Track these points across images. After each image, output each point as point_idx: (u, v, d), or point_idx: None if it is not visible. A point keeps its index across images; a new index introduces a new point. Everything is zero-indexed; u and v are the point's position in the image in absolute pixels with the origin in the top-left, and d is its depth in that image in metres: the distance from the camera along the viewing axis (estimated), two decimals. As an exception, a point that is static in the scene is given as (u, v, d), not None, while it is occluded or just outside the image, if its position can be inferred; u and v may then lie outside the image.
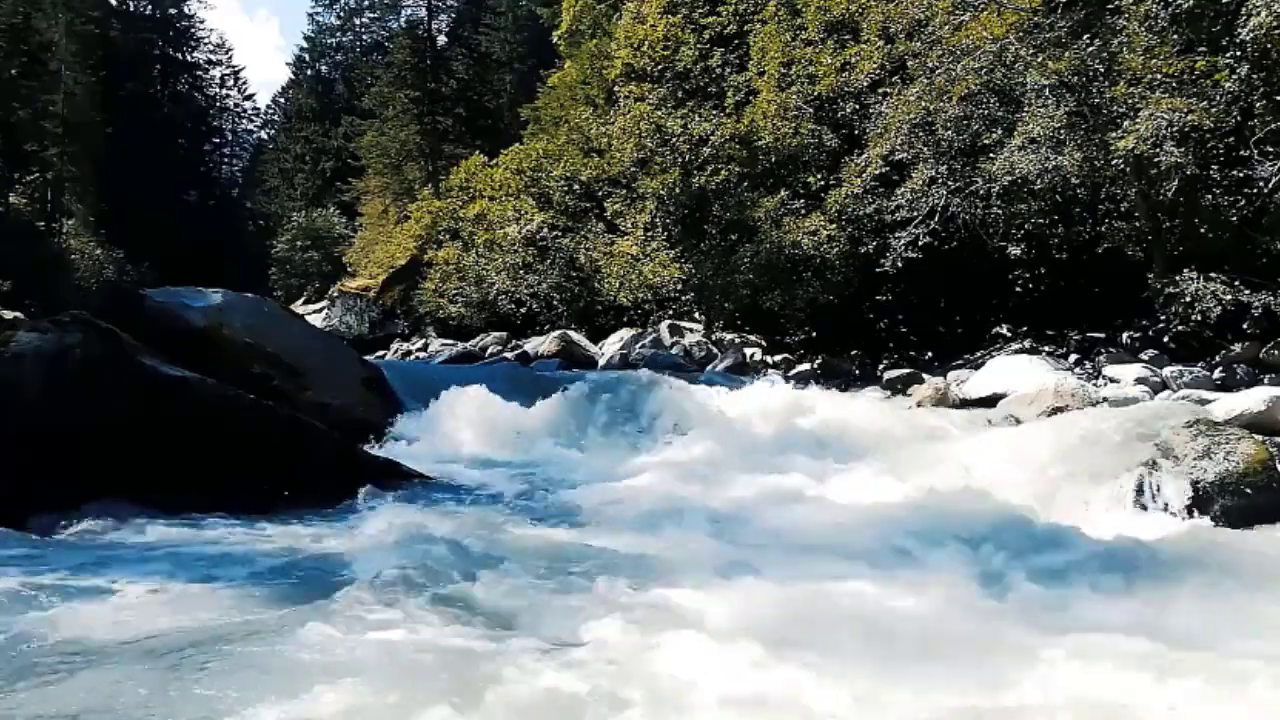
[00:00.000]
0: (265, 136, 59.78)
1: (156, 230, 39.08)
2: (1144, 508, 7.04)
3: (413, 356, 25.51)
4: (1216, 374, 12.00)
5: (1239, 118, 12.40)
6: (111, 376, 7.00)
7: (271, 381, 9.72)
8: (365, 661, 3.86)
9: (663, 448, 10.53)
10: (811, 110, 18.45)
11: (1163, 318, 13.11)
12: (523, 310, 23.68)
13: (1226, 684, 3.70)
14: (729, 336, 18.91)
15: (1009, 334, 15.36)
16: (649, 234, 19.58)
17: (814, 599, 4.84)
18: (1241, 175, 12.54)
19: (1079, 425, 8.50)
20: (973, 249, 15.22)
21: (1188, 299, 12.50)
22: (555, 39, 30.11)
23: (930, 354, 15.93)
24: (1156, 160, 12.34)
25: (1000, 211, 14.71)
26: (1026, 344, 14.70)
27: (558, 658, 3.95)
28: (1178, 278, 12.73)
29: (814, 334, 17.85)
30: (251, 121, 60.15)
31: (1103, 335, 14.34)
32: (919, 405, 12.34)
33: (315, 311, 34.36)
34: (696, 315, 20.14)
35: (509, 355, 20.42)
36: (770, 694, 3.59)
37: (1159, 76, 12.24)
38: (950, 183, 14.87)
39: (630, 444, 10.76)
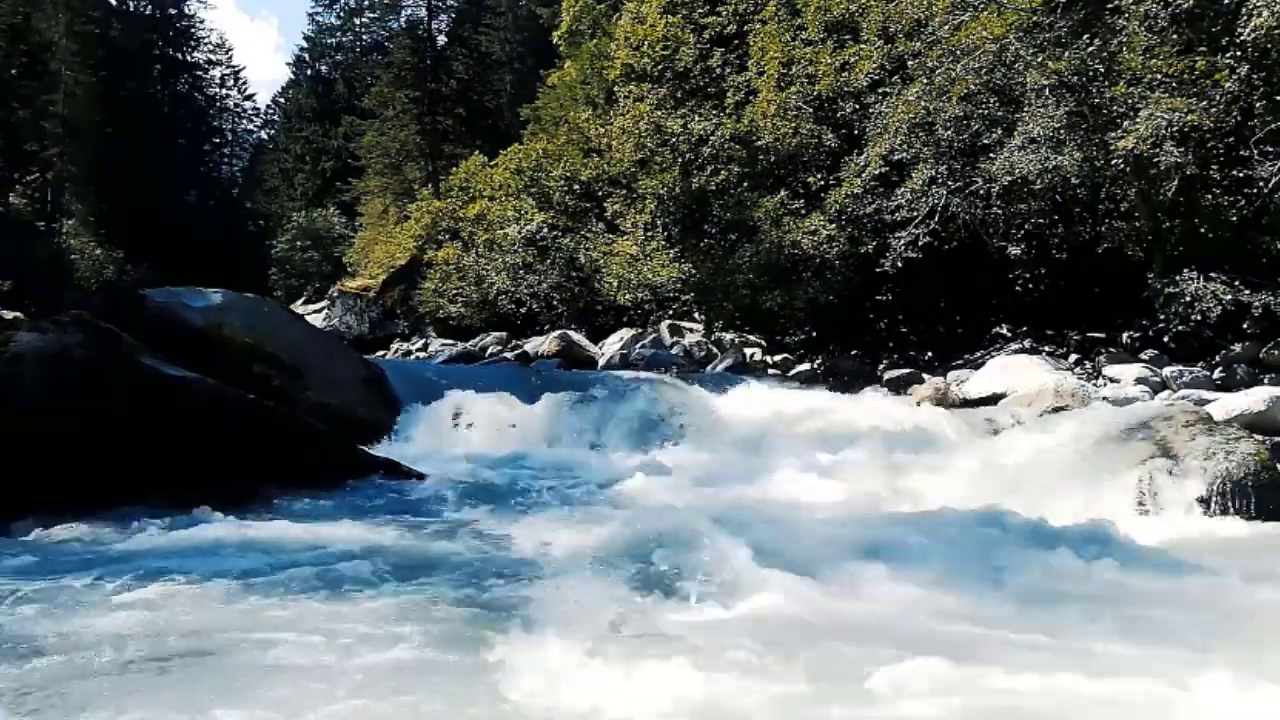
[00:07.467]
0: (265, 136, 59.85)
1: (156, 230, 39.06)
2: (1143, 507, 7.04)
3: (413, 356, 25.51)
4: (1216, 374, 12.01)
5: (1239, 118, 12.41)
6: (111, 376, 7.00)
7: (271, 381, 9.71)
8: (360, 660, 3.86)
9: (662, 448, 10.53)
10: (811, 110, 18.44)
11: (1163, 318, 13.11)
12: (523, 310, 23.66)
13: (1226, 681, 3.69)
14: (729, 336, 18.90)
15: (1009, 334, 15.36)
16: (649, 234, 19.57)
17: (814, 598, 4.84)
18: (1241, 175, 12.54)
19: (1079, 425, 8.51)
20: (973, 249, 15.22)
21: (1188, 299, 12.50)
22: (555, 39, 30.08)
23: (930, 354, 15.93)
24: (1156, 160, 12.34)
25: (1000, 211, 14.71)
26: (1026, 344, 14.71)
27: (555, 657, 3.95)
28: (1178, 278, 12.73)
29: (814, 334, 17.86)
30: (251, 121, 60.24)
31: (1103, 335, 14.34)
32: (919, 405, 12.34)
33: (315, 311, 34.35)
34: (696, 315, 20.13)
35: (509, 355, 20.41)
36: (770, 691, 3.59)
37: (1159, 76, 12.25)
38: (950, 183, 14.87)
39: (630, 444, 10.75)
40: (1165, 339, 13.26)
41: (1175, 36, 12.39)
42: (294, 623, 4.29)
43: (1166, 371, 12.15)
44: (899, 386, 13.80)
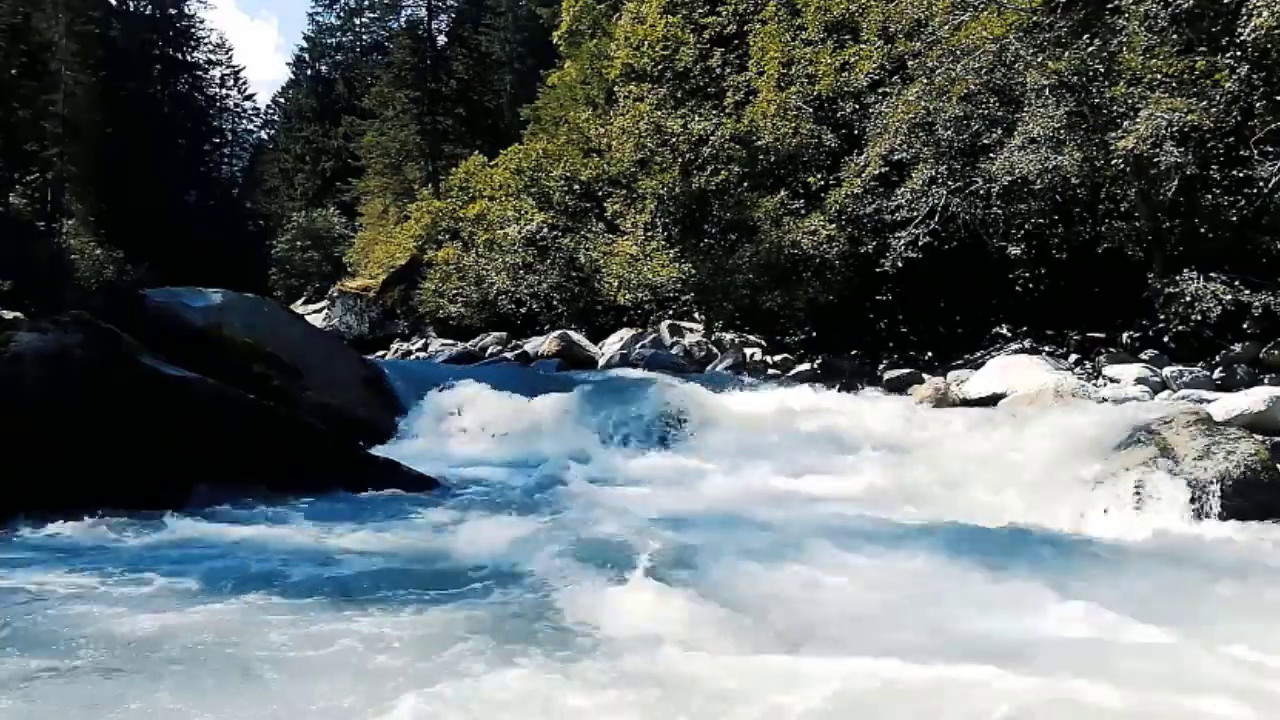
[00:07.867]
0: (265, 136, 59.90)
1: (156, 230, 39.08)
2: (1144, 508, 7.03)
3: (413, 356, 25.51)
4: (1216, 374, 12.00)
5: (1239, 118, 12.39)
6: (111, 376, 7.00)
7: (271, 381, 9.72)
8: (356, 661, 3.87)
9: (662, 448, 10.53)
10: (811, 110, 18.43)
11: (1163, 318, 13.10)
12: (523, 310, 23.67)
13: (1227, 681, 3.69)
14: (729, 336, 18.90)
15: (1009, 334, 15.35)
16: (649, 234, 19.56)
17: (813, 596, 4.84)
18: (1241, 175, 12.53)
19: (1079, 425, 8.50)
20: (973, 249, 15.21)
21: (1188, 299, 12.49)
22: (555, 39, 30.09)
23: (930, 354, 15.92)
24: (1156, 160, 12.34)
25: (1000, 211, 14.70)
26: (1026, 344, 14.69)
27: (553, 658, 3.95)
28: (1178, 278, 12.72)
29: (814, 334, 17.85)
30: (251, 121, 60.31)
31: (1103, 335, 14.33)
32: (919, 405, 12.33)
33: (315, 311, 34.35)
34: (696, 315, 20.13)
35: (509, 355, 20.43)
36: (767, 684, 3.60)
37: (1159, 76, 12.23)
38: (950, 183, 14.86)
39: (630, 444, 10.76)
40: (1165, 339, 13.24)
41: (1175, 36, 12.38)
42: (290, 624, 4.30)
43: (1166, 371, 12.14)
44: (899, 386, 13.78)
